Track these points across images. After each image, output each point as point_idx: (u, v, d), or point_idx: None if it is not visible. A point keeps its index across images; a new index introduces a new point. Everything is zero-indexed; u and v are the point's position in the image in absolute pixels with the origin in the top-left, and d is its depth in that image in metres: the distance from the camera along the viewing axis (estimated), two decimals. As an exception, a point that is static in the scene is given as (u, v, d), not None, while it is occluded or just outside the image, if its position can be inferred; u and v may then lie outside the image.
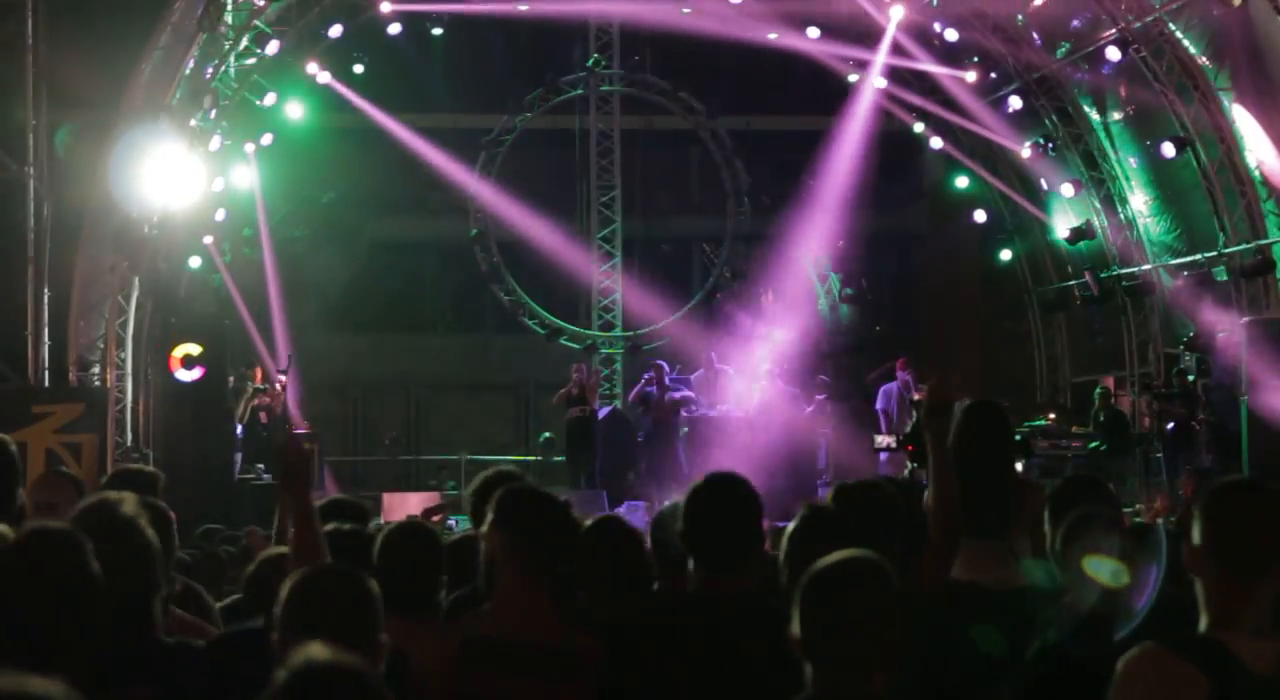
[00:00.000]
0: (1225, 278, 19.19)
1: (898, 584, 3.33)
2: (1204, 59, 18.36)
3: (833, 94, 21.90)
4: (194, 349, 18.03)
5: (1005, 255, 23.30)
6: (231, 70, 19.83)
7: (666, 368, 20.19)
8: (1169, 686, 3.01)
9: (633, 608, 4.52)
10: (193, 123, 18.81)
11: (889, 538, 4.48)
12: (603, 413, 20.67)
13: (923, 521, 4.63)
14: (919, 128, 22.11)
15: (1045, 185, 22.11)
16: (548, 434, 22.85)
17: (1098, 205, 21.09)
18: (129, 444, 19.06)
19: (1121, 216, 20.88)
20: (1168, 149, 18.74)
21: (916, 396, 17.59)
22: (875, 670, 3.26)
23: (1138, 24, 18.53)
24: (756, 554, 4.36)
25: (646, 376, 20.21)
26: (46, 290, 17.70)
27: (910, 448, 15.91)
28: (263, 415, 19.16)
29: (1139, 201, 20.80)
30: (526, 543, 4.28)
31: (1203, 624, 3.15)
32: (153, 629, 3.70)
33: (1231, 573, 3.13)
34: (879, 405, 19.93)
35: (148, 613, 3.68)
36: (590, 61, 23.06)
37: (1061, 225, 21.93)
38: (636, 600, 4.64)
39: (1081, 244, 21.52)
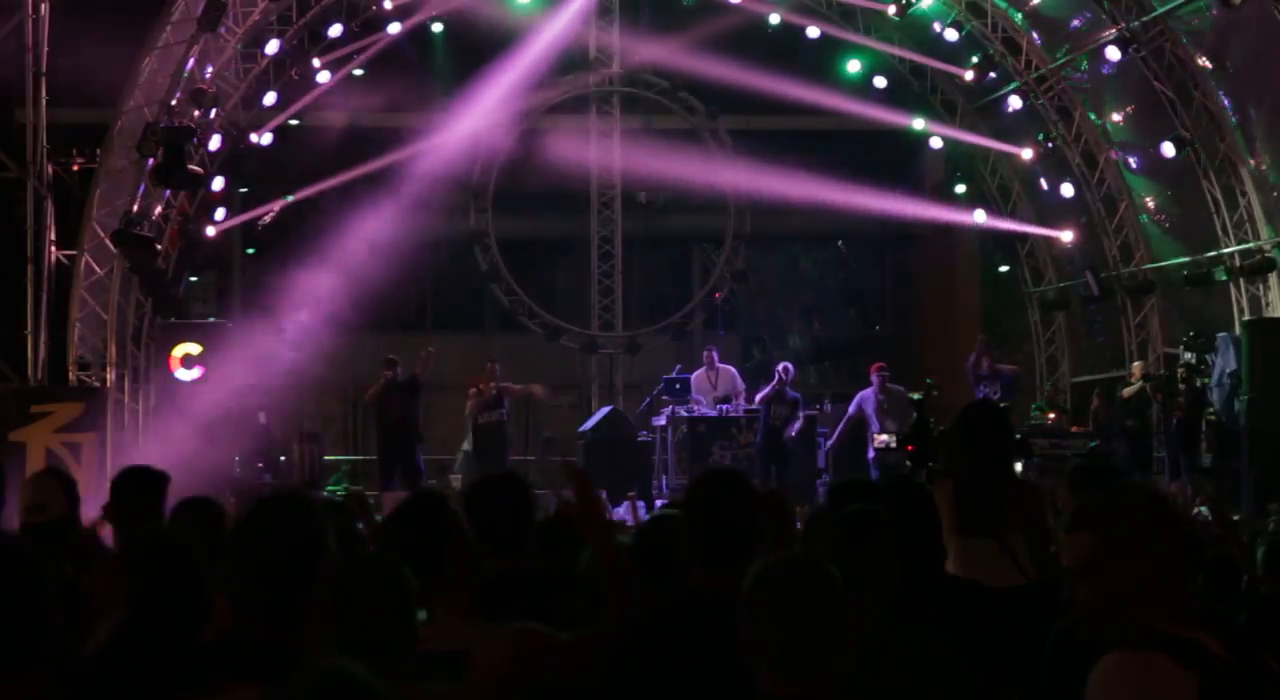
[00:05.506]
0: (1225, 278, 19.18)
1: (841, 585, 3.33)
2: (1204, 59, 18.36)
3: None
4: (194, 349, 18.03)
5: (1004, 260, 23.28)
6: (232, 70, 19.82)
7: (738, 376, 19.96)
8: (1165, 687, 2.87)
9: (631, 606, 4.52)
10: (194, 118, 18.80)
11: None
12: (603, 412, 20.62)
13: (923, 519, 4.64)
14: (919, 124, 22.06)
15: (1045, 185, 22.10)
16: (549, 434, 22.82)
17: (1098, 205, 21.07)
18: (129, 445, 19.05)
19: (1121, 216, 20.86)
20: (1168, 149, 18.72)
21: (916, 396, 17.58)
22: (820, 671, 3.26)
23: (1137, 23, 18.52)
24: (755, 551, 4.36)
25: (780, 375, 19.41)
26: (46, 290, 17.72)
27: (910, 447, 15.96)
28: (262, 415, 19.06)
29: (1139, 201, 20.78)
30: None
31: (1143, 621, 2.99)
32: None
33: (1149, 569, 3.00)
34: (850, 410, 19.35)
35: None
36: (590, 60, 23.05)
37: (1062, 225, 21.91)
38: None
39: (1081, 243, 21.49)
